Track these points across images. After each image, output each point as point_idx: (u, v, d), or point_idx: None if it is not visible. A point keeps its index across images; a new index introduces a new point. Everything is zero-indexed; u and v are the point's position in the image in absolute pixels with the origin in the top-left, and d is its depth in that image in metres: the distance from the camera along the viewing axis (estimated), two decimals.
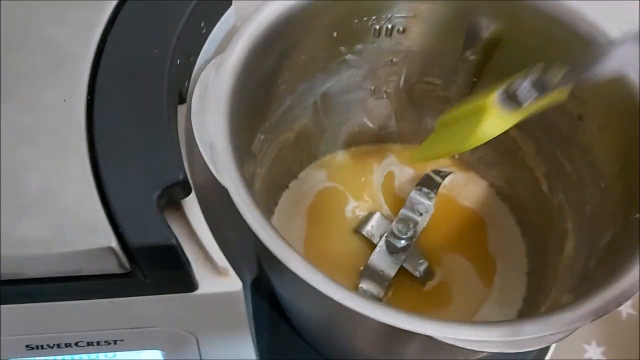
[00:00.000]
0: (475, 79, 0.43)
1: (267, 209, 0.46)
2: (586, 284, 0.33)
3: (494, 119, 0.33)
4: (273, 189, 0.46)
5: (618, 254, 0.32)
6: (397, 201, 0.47)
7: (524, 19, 0.38)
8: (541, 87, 0.31)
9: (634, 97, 0.33)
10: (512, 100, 0.32)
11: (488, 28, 0.39)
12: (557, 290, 0.37)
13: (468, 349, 0.27)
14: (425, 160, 0.47)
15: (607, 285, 0.28)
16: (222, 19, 0.36)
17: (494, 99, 0.33)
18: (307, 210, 0.47)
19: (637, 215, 0.32)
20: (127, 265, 0.27)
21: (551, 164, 0.41)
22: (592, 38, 0.35)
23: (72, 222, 0.26)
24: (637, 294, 0.29)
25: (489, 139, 0.34)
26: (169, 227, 0.27)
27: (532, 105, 0.32)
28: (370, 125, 0.48)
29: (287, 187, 0.47)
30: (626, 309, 0.54)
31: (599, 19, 0.35)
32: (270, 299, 0.44)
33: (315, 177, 0.48)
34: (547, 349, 0.47)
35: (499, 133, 0.34)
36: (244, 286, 0.43)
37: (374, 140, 0.49)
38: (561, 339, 0.28)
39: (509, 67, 0.39)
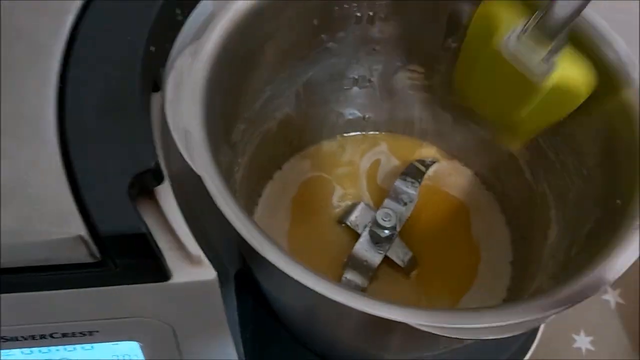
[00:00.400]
0: None
1: (251, 201, 0.45)
2: (567, 271, 0.33)
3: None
4: (256, 180, 0.45)
5: (598, 241, 0.31)
6: (382, 190, 0.47)
7: None
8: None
9: (616, 85, 0.33)
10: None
11: (470, 15, 0.39)
12: (540, 279, 0.37)
13: (443, 336, 0.27)
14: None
15: (584, 273, 0.28)
16: (199, 5, 0.35)
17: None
18: (291, 201, 0.47)
19: (618, 201, 0.32)
20: (98, 254, 0.26)
21: (534, 152, 0.41)
22: (581, 29, 0.35)
23: (42, 211, 0.26)
24: (618, 281, 0.29)
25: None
26: (140, 215, 0.26)
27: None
28: (356, 113, 0.48)
29: (271, 178, 0.47)
30: (615, 298, 0.54)
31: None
32: (254, 291, 0.44)
33: (299, 168, 0.48)
34: (534, 338, 0.47)
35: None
36: (227, 278, 0.43)
37: (359, 129, 0.49)
38: (537, 325, 0.27)
39: None
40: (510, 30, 0.32)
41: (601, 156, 0.35)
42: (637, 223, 0.30)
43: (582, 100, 0.32)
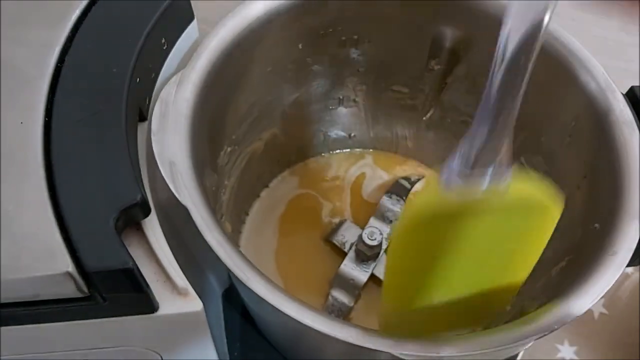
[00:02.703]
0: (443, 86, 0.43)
1: (238, 219, 0.46)
2: (548, 292, 0.34)
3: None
4: (243, 199, 0.46)
5: (576, 265, 0.32)
6: (368, 204, 0.47)
7: (488, 28, 0.38)
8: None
9: (597, 111, 0.34)
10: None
11: (452, 38, 0.39)
12: (521, 297, 0.38)
13: None
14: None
15: (560, 299, 0.29)
16: (184, 34, 0.36)
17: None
18: (279, 219, 0.47)
19: (596, 225, 0.33)
20: (85, 289, 0.27)
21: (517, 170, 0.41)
22: (554, 48, 0.35)
23: (29, 248, 0.26)
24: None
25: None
26: (127, 250, 0.27)
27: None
28: (341, 133, 0.48)
29: (259, 196, 0.47)
30: (598, 308, 0.55)
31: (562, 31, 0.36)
32: (242, 309, 0.44)
33: (286, 185, 0.48)
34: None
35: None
36: (215, 296, 0.43)
37: (345, 147, 0.49)
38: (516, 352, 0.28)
39: (474, 75, 0.40)
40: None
41: (581, 178, 0.36)
42: (614, 249, 0.30)
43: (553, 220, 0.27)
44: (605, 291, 0.29)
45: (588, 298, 0.29)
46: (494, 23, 0.37)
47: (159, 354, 0.31)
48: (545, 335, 0.28)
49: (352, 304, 0.42)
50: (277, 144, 0.45)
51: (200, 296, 0.30)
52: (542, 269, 0.36)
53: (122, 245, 0.27)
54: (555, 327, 0.28)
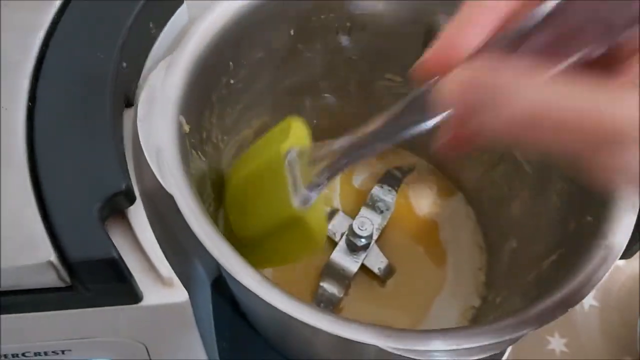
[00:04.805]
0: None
1: None
2: (539, 286, 0.34)
3: (312, 218, 0.31)
4: None
5: (568, 258, 0.32)
6: (360, 194, 0.47)
7: None
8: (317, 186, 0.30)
9: None
10: (305, 199, 0.30)
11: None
12: (512, 291, 0.38)
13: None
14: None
15: (550, 297, 0.28)
16: (173, 18, 0.35)
17: (296, 210, 0.30)
18: None
19: (589, 218, 0.32)
20: (68, 279, 0.26)
21: (510, 164, 0.41)
22: None
23: (11, 237, 0.26)
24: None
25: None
26: (110, 239, 0.26)
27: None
28: (333, 121, 0.47)
29: None
30: (588, 300, 0.55)
31: None
32: (231, 298, 0.44)
33: None
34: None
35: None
36: (204, 285, 0.43)
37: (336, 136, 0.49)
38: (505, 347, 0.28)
39: None
40: (297, 146, 0.32)
41: None
42: (607, 242, 0.30)
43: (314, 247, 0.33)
44: (598, 284, 0.29)
45: (580, 291, 0.29)
46: None
47: (145, 345, 0.31)
48: (536, 328, 0.28)
49: (341, 295, 0.42)
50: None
51: (188, 285, 0.30)
52: (533, 263, 0.36)
53: (105, 235, 0.26)
54: (547, 320, 0.28)
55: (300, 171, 0.31)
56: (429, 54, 0.23)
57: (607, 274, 0.29)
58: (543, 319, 0.28)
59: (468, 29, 0.22)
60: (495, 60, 0.20)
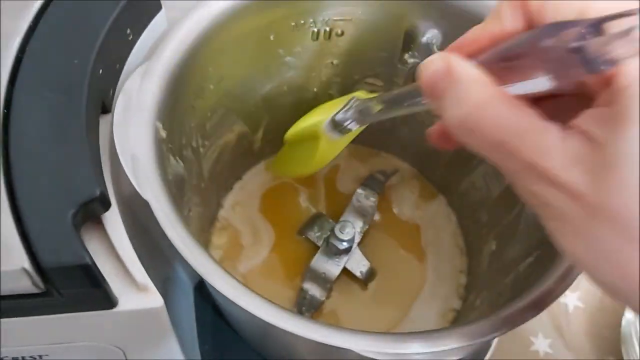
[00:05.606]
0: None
1: (210, 211, 0.45)
2: (516, 287, 0.34)
3: (326, 147, 0.38)
4: (216, 191, 0.45)
5: (545, 259, 0.32)
6: (343, 197, 0.47)
7: (461, 23, 0.38)
8: (362, 118, 0.35)
9: None
10: (338, 129, 0.36)
11: (426, 32, 0.39)
12: (489, 292, 0.38)
13: None
14: (281, 175, 0.48)
15: (522, 298, 0.29)
16: (151, 24, 0.35)
17: (323, 129, 0.37)
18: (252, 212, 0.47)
19: None
20: (42, 285, 0.26)
21: (489, 166, 0.41)
22: None
23: None
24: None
25: (326, 164, 0.39)
26: (84, 245, 0.26)
27: (356, 130, 0.36)
28: None
29: (231, 189, 0.47)
30: (573, 301, 0.55)
31: None
32: (214, 302, 0.44)
33: (259, 178, 0.48)
34: (491, 341, 0.47)
35: (333, 158, 0.39)
36: (186, 290, 0.43)
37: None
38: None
39: None
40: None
41: None
42: None
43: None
44: (574, 281, 0.29)
45: (554, 292, 0.29)
46: (468, 19, 0.37)
47: (122, 349, 0.31)
48: (507, 332, 0.28)
49: (324, 298, 0.42)
50: (249, 137, 0.45)
51: (168, 290, 0.30)
52: (511, 265, 0.36)
53: (79, 240, 0.26)
54: (519, 322, 0.28)
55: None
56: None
57: (579, 275, 0.30)
58: (515, 321, 0.28)
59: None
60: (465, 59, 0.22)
